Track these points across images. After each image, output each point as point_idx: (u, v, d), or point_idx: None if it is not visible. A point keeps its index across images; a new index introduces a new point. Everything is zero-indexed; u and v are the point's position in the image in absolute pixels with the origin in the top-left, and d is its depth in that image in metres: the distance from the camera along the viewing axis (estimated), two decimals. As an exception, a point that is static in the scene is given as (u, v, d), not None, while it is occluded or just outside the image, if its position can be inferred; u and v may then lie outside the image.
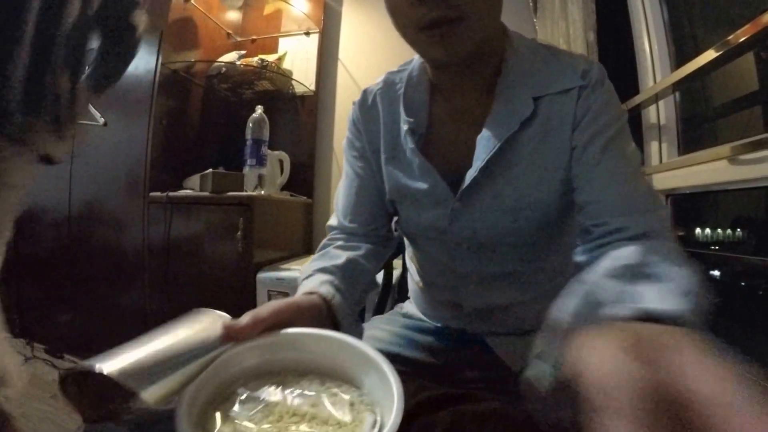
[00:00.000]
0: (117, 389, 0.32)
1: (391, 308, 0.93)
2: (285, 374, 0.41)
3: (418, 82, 0.67)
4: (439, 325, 0.76)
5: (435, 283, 0.74)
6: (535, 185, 0.59)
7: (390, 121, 0.68)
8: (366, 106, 0.71)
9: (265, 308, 0.45)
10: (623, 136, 0.57)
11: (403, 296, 0.96)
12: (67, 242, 2.27)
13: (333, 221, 0.75)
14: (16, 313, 2.53)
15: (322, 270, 0.61)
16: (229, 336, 0.41)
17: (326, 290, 0.55)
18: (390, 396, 0.34)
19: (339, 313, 0.54)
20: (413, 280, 0.82)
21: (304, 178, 1.95)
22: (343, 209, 0.73)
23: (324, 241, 0.73)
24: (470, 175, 0.59)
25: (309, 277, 0.60)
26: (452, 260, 0.68)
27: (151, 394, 0.33)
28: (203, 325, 0.41)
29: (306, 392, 0.38)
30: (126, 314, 1.95)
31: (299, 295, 0.55)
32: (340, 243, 0.70)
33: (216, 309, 0.44)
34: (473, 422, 0.41)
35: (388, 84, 0.70)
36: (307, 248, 1.90)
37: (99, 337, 2.05)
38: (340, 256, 0.65)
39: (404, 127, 0.64)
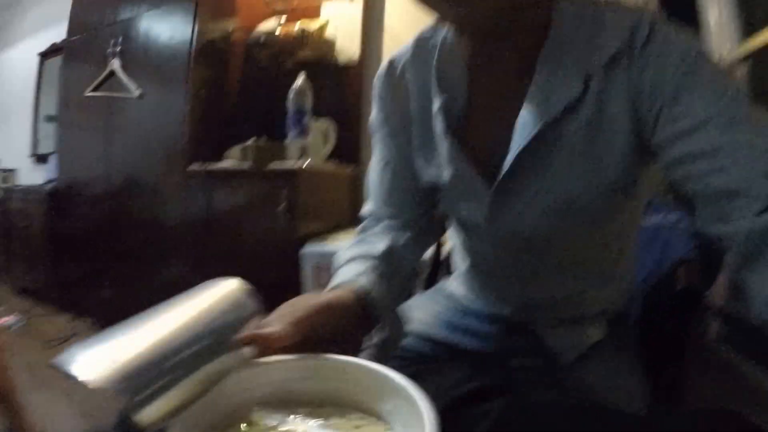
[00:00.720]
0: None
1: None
2: (301, 404, 0.37)
3: (453, 49, 0.56)
4: (484, 310, 0.70)
5: (478, 272, 0.68)
6: (586, 181, 0.51)
7: (421, 97, 0.58)
8: (393, 78, 0.61)
9: (297, 311, 0.41)
10: (707, 68, 0.45)
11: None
12: (108, 217, 2.26)
13: (368, 209, 0.68)
14: (60, 289, 2.56)
15: (359, 258, 0.56)
16: (262, 351, 0.37)
17: (363, 283, 0.50)
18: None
19: (377, 309, 0.50)
20: (457, 261, 0.76)
21: (350, 147, 1.87)
22: (377, 197, 0.66)
23: (360, 227, 0.67)
24: (505, 166, 0.51)
25: (345, 265, 0.56)
26: (494, 254, 0.61)
27: (144, 416, 0.28)
28: (220, 308, 0.36)
29: (326, 423, 0.34)
30: (168, 288, 1.92)
31: (333, 288, 0.51)
32: (377, 230, 0.64)
33: (260, 285, 0.38)
34: (524, 414, 0.39)
35: (419, 50, 0.60)
36: (353, 219, 1.83)
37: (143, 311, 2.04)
38: (378, 244, 0.59)
39: (436, 104, 0.56)
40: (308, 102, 1.73)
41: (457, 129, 0.55)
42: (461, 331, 0.68)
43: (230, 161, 1.82)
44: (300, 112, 1.72)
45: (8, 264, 3.07)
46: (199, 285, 0.38)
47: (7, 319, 2.54)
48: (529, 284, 0.62)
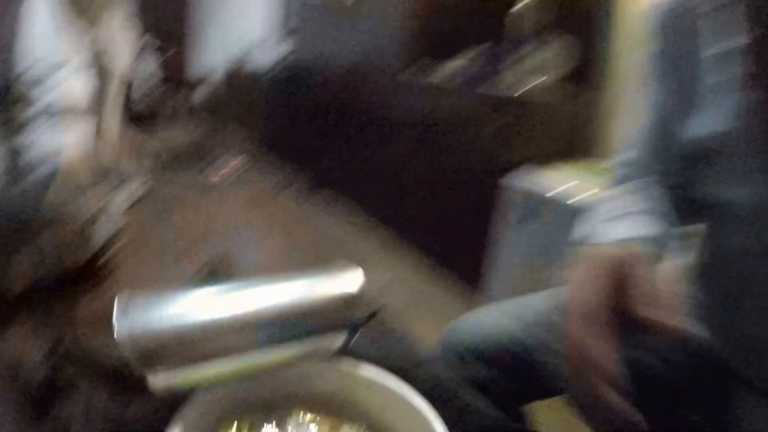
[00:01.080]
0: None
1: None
2: (333, 414, 0.35)
3: None
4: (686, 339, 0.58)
5: (710, 278, 0.57)
6: None
7: (709, 37, 0.48)
8: (675, 12, 0.53)
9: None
10: None
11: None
12: (334, 96, 2.48)
13: (634, 156, 0.60)
14: (281, 150, 3.04)
15: (641, 214, 0.50)
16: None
17: (653, 246, 0.46)
18: None
19: (671, 271, 0.48)
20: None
21: (591, 66, 1.64)
22: (644, 146, 0.59)
23: (623, 174, 0.61)
24: None
25: (626, 216, 0.50)
26: (743, 254, 0.50)
27: (159, 379, 0.28)
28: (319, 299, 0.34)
29: None
30: (375, 173, 2.14)
31: (621, 244, 0.46)
32: (650, 187, 0.57)
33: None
34: None
35: None
36: (581, 150, 1.68)
37: (342, 182, 2.33)
38: (656, 204, 0.53)
39: (732, 43, 0.46)
40: (540, 15, 1.54)
41: (751, 80, 0.46)
42: (654, 353, 0.60)
43: (448, 72, 1.79)
44: (530, 30, 1.56)
45: (242, 118, 3.72)
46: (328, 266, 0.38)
47: (234, 163, 3.16)
48: (764, 312, 0.52)
